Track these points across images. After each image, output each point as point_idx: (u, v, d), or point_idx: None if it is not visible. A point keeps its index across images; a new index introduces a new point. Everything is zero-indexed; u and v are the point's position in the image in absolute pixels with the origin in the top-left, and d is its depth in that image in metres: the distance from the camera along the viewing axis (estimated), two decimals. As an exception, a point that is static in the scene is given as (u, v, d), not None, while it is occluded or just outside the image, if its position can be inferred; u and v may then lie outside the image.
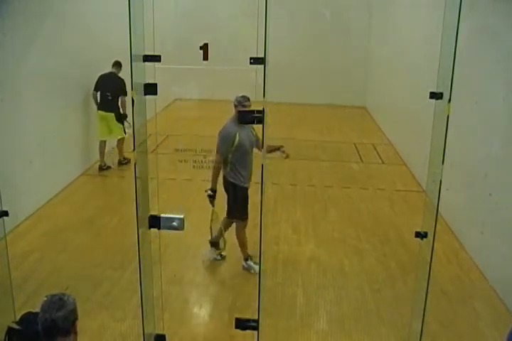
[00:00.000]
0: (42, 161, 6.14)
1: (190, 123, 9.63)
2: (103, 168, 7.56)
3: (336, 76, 11.93)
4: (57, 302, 2.22)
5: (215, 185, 4.80)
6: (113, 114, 7.38)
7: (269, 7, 2.66)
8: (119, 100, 7.39)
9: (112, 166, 7.70)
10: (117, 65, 7.36)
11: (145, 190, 3.05)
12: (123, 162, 7.76)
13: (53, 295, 2.27)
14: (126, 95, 7.25)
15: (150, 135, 3.44)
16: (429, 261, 3.21)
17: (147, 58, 2.91)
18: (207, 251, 5.16)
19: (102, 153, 7.59)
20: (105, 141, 7.61)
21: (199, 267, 5.08)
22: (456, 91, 2.99)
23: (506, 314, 4.38)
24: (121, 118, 7.43)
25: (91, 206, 6.35)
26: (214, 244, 5.11)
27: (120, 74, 7.38)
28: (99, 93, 7.36)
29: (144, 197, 3.04)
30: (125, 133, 7.48)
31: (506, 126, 4.78)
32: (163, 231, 3.14)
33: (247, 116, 2.92)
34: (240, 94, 4.73)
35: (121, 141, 7.67)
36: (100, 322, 4.11)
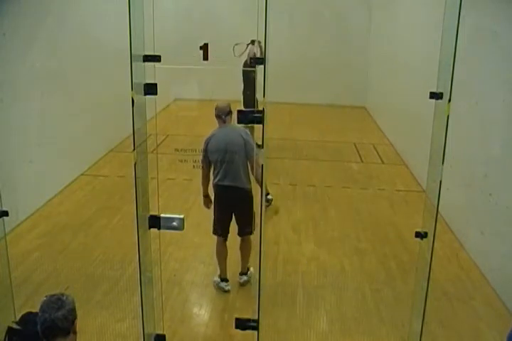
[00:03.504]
0: (42, 161, 6.14)
1: (190, 123, 9.63)
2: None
3: (336, 76, 11.92)
4: (56, 302, 2.22)
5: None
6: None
7: (269, 7, 2.66)
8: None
9: None
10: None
11: (145, 190, 3.06)
12: None
13: (52, 295, 2.27)
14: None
15: (150, 135, 3.44)
16: (429, 261, 3.21)
17: (147, 58, 2.91)
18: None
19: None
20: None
21: (199, 267, 5.08)
22: (456, 91, 2.99)
23: (506, 314, 4.38)
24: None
25: (91, 206, 6.35)
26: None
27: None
28: None
29: (144, 197, 3.04)
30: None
31: (506, 126, 4.78)
32: (164, 231, 3.15)
33: (247, 116, 2.92)
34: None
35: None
36: (100, 322, 4.11)
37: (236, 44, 7.68)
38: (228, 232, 4.65)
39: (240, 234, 4.66)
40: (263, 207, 3.19)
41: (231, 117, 4.56)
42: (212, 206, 4.67)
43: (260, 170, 4.22)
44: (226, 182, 4.49)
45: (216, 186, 4.57)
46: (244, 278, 4.74)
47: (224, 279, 4.66)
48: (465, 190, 5.52)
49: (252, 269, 4.74)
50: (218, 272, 4.70)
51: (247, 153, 4.46)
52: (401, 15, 9.36)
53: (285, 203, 6.55)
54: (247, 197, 4.53)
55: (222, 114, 4.54)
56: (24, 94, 5.70)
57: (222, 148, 4.48)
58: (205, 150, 4.56)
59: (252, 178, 4.53)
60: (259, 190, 4.23)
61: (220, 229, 4.62)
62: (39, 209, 6.13)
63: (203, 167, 4.63)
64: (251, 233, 4.55)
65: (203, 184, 4.69)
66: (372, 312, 4.40)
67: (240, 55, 7.54)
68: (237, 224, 4.63)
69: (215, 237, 4.66)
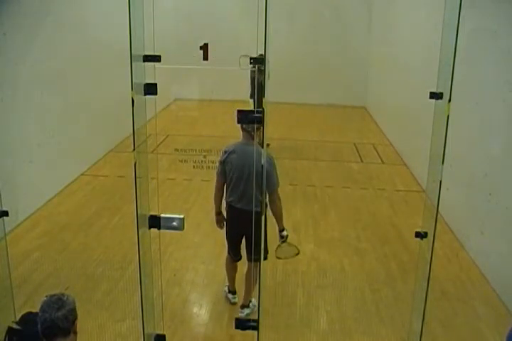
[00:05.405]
0: (42, 161, 6.14)
1: (190, 123, 9.63)
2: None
3: (336, 76, 11.92)
4: (57, 302, 2.22)
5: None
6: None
7: (269, 7, 2.66)
8: None
9: None
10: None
11: (145, 190, 3.05)
12: None
13: (52, 295, 2.27)
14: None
15: (150, 135, 3.44)
16: (429, 261, 3.21)
17: (147, 58, 2.91)
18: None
19: None
20: None
21: (199, 267, 5.08)
22: (456, 91, 2.99)
23: (506, 314, 4.38)
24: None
25: (91, 206, 6.35)
26: None
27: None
28: None
29: (144, 197, 3.03)
30: None
31: (506, 126, 4.78)
32: (164, 231, 3.15)
33: (247, 116, 2.91)
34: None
35: None
36: (100, 322, 4.10)
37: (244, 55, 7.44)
38: (239, 255, 4.40)
39: (247, 258, 4.28)
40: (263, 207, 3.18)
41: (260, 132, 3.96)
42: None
43: (277, 205, 4.15)
44: (240, 206, 4.15)
45: (229, 207, 4.25)
46: (247, 311, 4.33)
47: (232, 291, 4.53)
48: (465, 189, 5.52)
49: (254, 300, 4.30)
50: (227, 282, 4.57)
51: (265, 183, 3.56)
52: (401, 15, 9.36)
53: (285, 203, 6.53)
54: (260, 221, 3.78)
55: (252, 130, 3.88)
56: (24, 94, 5.70)
57: (240, 168, 4.09)
58: (223, 163, 4.19)
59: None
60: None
61: (232, 252, 4.39)
62: (39, 209, 6.12)
63: (218, 180, 4.25)
64: (264, 258, 3.74)
65: (216, 200, 4.28)
66: (372, 312, 4.40)
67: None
68: (246, 247, 4.30)
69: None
